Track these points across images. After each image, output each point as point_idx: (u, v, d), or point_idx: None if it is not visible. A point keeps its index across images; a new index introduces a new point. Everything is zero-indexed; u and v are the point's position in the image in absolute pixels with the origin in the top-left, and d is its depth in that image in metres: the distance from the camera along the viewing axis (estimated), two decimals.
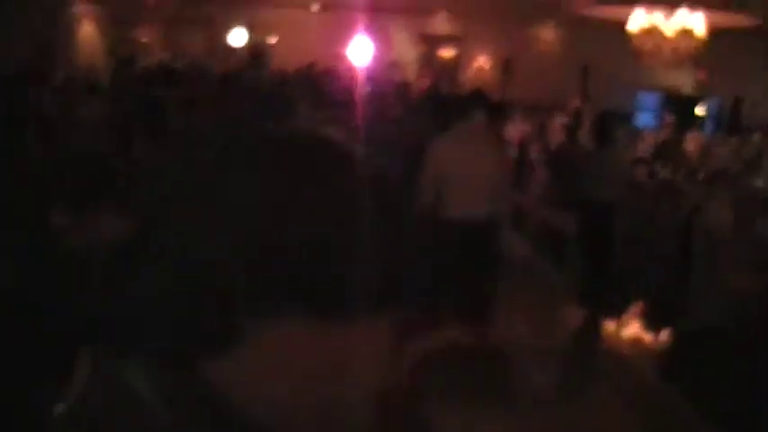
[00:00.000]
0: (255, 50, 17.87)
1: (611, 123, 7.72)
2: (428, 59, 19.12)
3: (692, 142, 12.11)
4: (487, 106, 6.25)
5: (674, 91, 17.43)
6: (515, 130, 11.72)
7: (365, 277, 0.75)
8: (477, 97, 6.29)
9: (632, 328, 6.96)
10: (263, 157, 0.80)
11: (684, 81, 17.62)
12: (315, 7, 18.11)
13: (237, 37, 18.09)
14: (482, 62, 19.11)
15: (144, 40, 17.88)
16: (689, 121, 15.27)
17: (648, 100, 17.78)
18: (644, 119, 16.93)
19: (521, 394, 5.17)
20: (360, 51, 15.78)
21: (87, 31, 17.05)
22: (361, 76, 12.70)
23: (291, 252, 0.74)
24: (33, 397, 2.56)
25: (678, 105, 16.29)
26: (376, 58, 16.56)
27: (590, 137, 8.67)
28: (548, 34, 18.75)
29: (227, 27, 18.13)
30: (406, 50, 18.59)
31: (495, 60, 18.95)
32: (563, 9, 15.13)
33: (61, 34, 15.92)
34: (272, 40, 17.91)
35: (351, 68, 14.20)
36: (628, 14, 11.98)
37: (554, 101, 15.00)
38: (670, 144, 11.67)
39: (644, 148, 11.64)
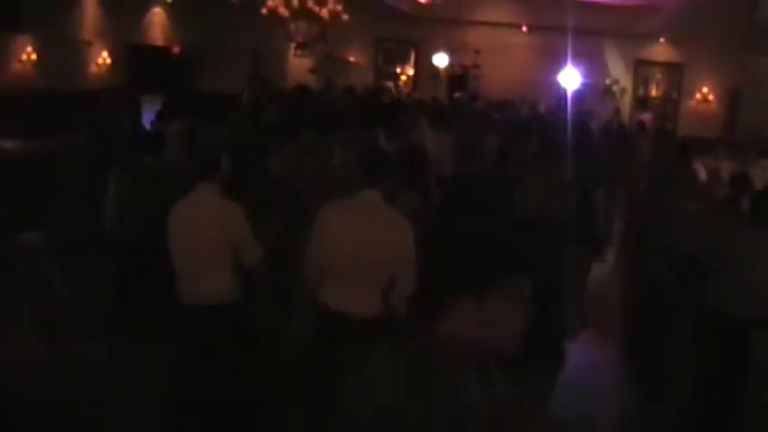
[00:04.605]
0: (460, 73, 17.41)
1: None
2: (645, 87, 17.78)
3: None
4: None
5: None
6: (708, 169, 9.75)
7: None
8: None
9: None
10: None
11: None
12: (523, 28, 17.33)
13: (441, 59, 17.67)
14: (705, 93, 17.43)
15: (351, 59, 17.93)
16: None
17: None
18: None
19: None
20: (570, 76, 14.78)
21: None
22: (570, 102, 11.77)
23: None
24: None
25: None
26: (587, 84, 15.52)
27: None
28: None
29: (432, 48, 17.77)
30: (621, 77, 17.31)
31: (720, 91, 17.23)
32: None
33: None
34: (477, 61, 17.29)
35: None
36: None
37: None
38: None
39: None
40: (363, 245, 4.00)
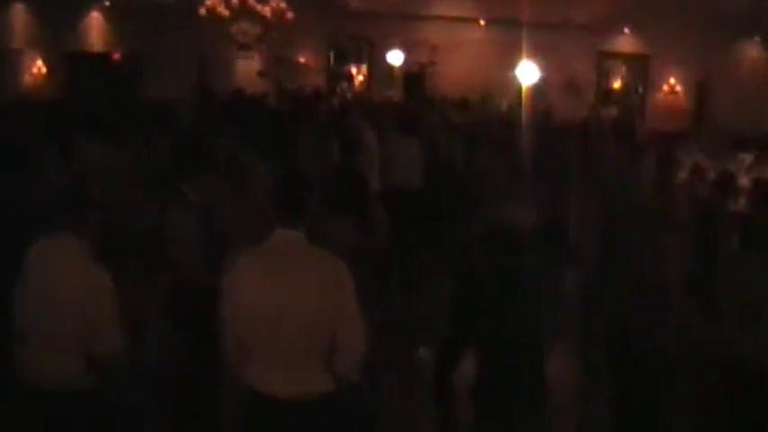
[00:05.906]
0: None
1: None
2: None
3: None
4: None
5: None
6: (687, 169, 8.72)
7: None
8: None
9: None
10: None
11: None
12: (481, 22, 16.57)
13: (396, 56, 16.85)
14: (672, 84, 16.77)
15: (302, 60, 17.08)
16: None
17: None
18: None
19: None
20: (529, 70, 14.05)
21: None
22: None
23: None
24: None
25: None
26: (547, 79, 14.80)
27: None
28: (753, 53, 16.23)
29: (386, 45, 16.93)
30: (583, 70, 16.57)
31: (687, 83, 16.59)
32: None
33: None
34: (433, 58, 16.49)
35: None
36: None
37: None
38: None
39: None
40: (287, 304, 3.01)
